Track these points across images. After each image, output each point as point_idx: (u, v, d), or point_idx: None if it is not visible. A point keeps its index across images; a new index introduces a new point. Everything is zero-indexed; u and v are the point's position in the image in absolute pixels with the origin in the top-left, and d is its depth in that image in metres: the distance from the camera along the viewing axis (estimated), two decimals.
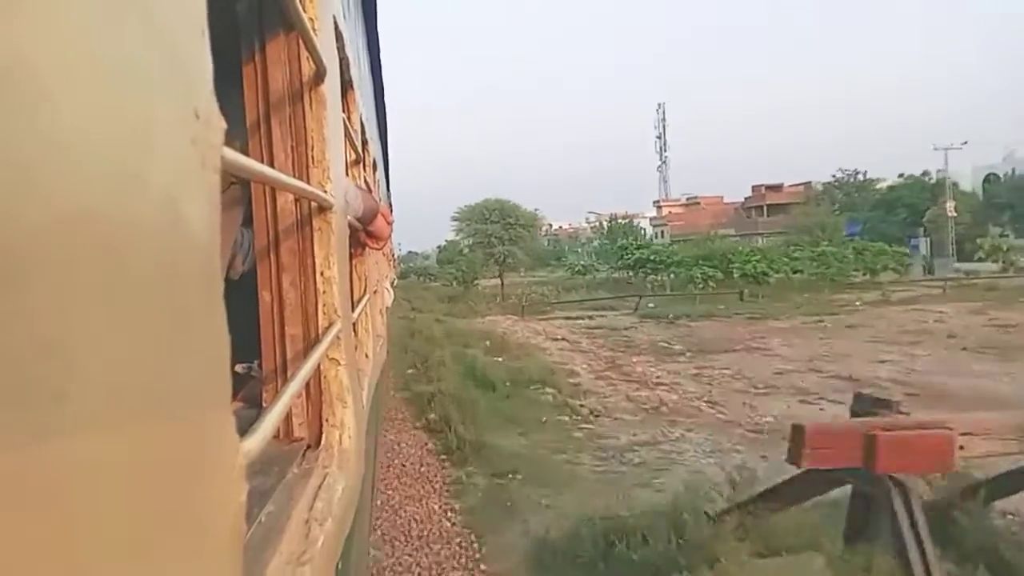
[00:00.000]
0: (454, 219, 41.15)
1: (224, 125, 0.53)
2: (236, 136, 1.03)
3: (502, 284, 38.68)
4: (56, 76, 0.33)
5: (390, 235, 2.87)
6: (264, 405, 1.37)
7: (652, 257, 42.87)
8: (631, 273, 44.67)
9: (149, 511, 0.40)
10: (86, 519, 0.34)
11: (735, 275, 34.27)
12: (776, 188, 66.95)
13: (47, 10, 0.32)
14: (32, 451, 0.30)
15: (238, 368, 1.67)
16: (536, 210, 42.41)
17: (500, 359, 13.52)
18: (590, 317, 25.96)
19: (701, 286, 33.75)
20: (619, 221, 65.12)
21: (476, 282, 38.20)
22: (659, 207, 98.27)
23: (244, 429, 0.60)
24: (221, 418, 0.51)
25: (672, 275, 39.89)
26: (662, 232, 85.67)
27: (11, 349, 0.29)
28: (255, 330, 1.41)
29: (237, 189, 1.64)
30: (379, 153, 6.68)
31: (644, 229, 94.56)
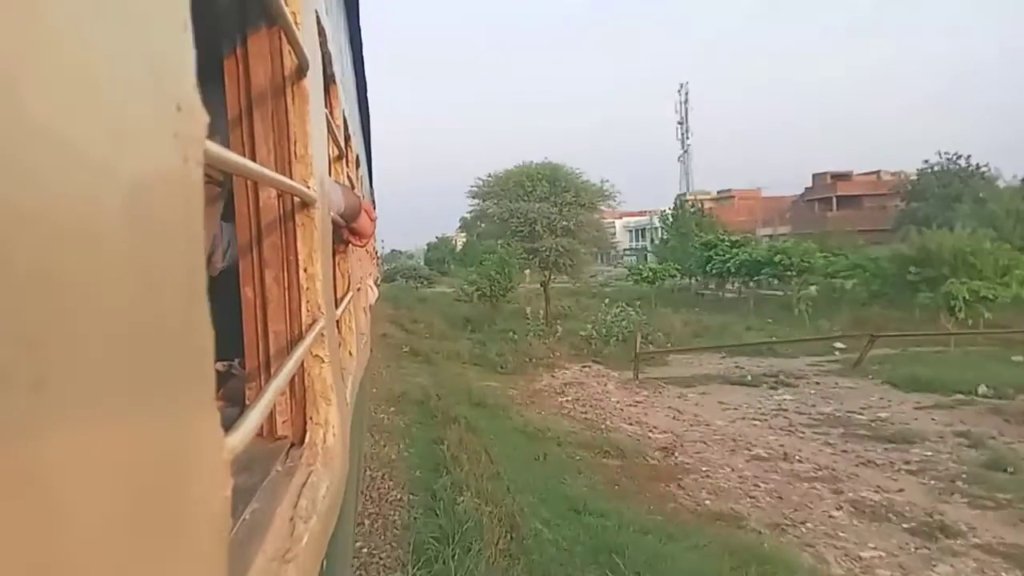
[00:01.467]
0: (472, 195, 27.25)
1: (207, 118, 0.52)
2: (217, 131, 1.02)
3: (547, 300, 25.41)
4: (33, 69, 0.32)
5: (373, 232, 2.85)
6: (247, 403, 1.36)
7: (777, 260, 28.78)
8: (715, 278, 34.01)
9: (132, 505, 0.39)
10: (66, 513, 0.33)
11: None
12: (843, 177, 54.57)
13: (24, 1, 0.32)
14: (10, 443, 0.29)
15: (218, 366, 1.65)
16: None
17: None
18: (776, 382, 14.21)
19: (960, 313, 19.42)
20: (689, 206, 47.99)
21: (511, 291, 25.46)
22: (684, 203, 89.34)
23: (227, 427, 0.59)
24: (205, 413, 0.51)
25: (797, 287, 26.69)
26: None
27: None
28: (234, 328, 1.40)
29: (214, 187, 1.63)
30: (362, 149, 6.65)
31: (659, 227, 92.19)
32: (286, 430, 1.37)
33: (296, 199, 1.34)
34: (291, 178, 1.32)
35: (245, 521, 0.94)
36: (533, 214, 24.93)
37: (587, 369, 16.73)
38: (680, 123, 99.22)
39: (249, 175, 1.15)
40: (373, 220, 2.59)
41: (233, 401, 1.49)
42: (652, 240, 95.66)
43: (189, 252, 0.49)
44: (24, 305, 0.31)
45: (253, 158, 1.31)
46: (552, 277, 26.50)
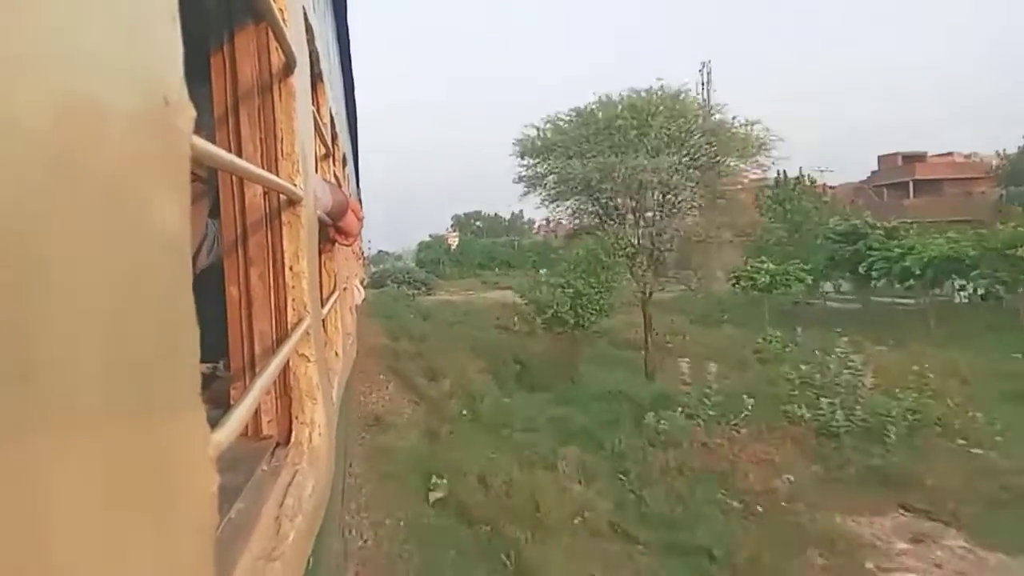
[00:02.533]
0: (522, 153, 15.16)
1: (194, 113, 0.52)
2: (204, 128, 1.02)
3: (647, 326, 14.80)
4: (18, 60, 0.32)
5: (360, 232, 2.84)
6: (232, 403, 1.35)
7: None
8: (862, 281, 24.76)
9: (118, 499, 0.39)
10: (51, 507, 0.33)
11: None
12: (917, 158, 46.11)
13: None
14: None
15: (203, 368, 1.63)
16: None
17: None
18: None
19: None
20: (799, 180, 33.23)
21: (604, 316, 15.80)
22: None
23: (212, 428, 0.59)
24: (191, 409, 0.50)
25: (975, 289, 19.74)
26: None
27: None
28: (218, 328, 1.39)
29: (199, 185, 1.61)
30: (349, 148, 6.63)
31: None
32: (272, 429, 1.36)
33: (282, 197, 1.33)
34: (277, 176, 1.31)
35: (231, 520, 0.94)
36: (644, 174, 13.43)
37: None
38: (702, 107, 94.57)
39: (235, 171, 1.15)
40: (360, 219, 2.59)
41: (218, 403, 1.47)
42: None
43: (175, 246, 0.48)
44: (9, 297, 0.30)
45: (239, 155, 1.31)
46: (652, 285, 15.17)
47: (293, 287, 1.36)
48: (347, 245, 2.70)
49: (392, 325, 18.20)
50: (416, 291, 36.98)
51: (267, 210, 1.36)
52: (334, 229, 2.34)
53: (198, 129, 0.56)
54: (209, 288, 1.39)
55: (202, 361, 0.56)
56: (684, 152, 13.98)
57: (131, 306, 0.42)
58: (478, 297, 34.08)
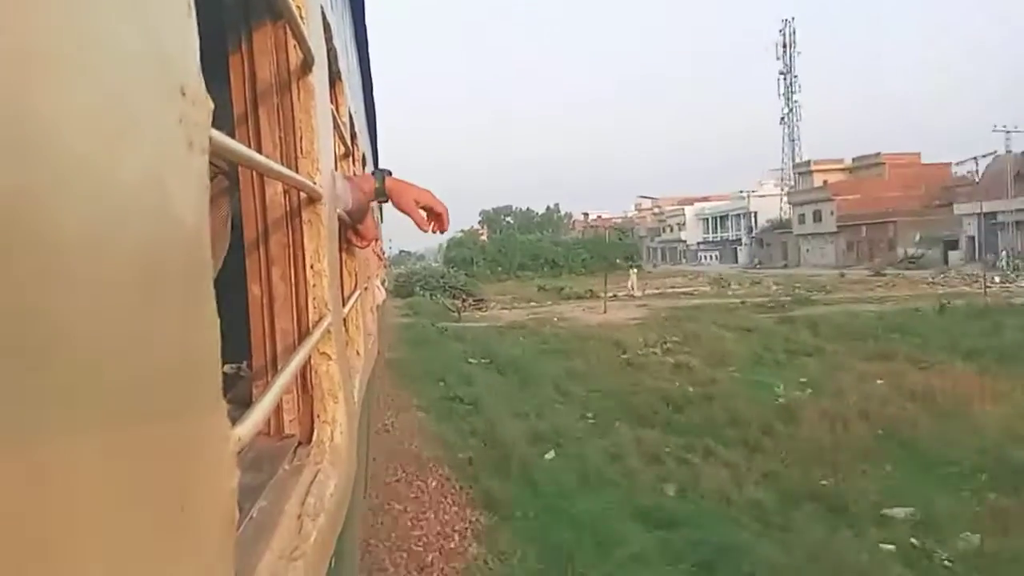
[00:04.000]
0: None
1: (211, 105, 0.51)
2: (223, 127, 1.02)
3: None
4: (31, 49, 0.31)
5: (378, 235, 2.81)
6: (254, 400, 1.35)
7: None
8: None
9: (138, 493, 0.39)
10: (70, 500, 0.32)
11: None
12: None
13: None
14: (10, 424, 0.29)
15: (226, 368, 1.64)
16: None
17: None
18: None
19: None
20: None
21: None
22: (802, 174, 64.22)
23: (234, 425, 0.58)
24: (212, 402, 0.50)
25: None
26: (817, 213, 56.13)
27: None
28: (240, 329, 1.39)
29: (220, 182, 1.61)
30: (368, 147, 6.66)
31: (753, 212, 70.04)
32: (293, 428, 1.36)
33: (302, 195, 1.33)
34: (297, 173, 1.31)
35: (252, 519, 0.93)
36: None
37: None
38: (783, 73, 71.23)
39: (255, 167, 1.14)
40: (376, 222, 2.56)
41: (241, 403, 1.47)
42: (737, 229, 76.79)
43: (194, 239, 0.48)
44: (26, 291, 0.30)
45: (259, 153, 1.31)
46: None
47: (314, 286, 1.36)
48: (363, 247, 2.68)
49: (448, 423, 9.31)
50: (458, 302, 27.25)
51: (287, 208, 1.36)
52: (352, 231, 2.33)
53: (218, 127, 0.55)
54: (233, 292, 1.40)
55: (225, 362, 0.56)
56: None
57: (150, 299, 0.41)
58: (561, 317, 22.29)
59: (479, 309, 27.50)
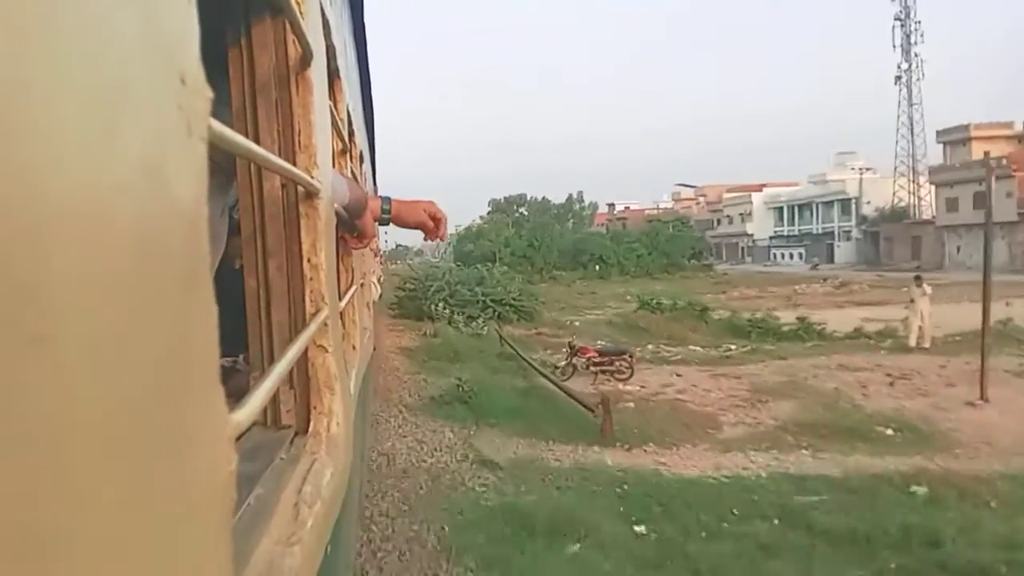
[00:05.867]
0: None
1: (211, 94, 0.52)
2: (222, 121, 1.04)
3: None
4: (29, 35, 0.32)
5: (376, 235, 2.81)
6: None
7: None
8: None
9: (135, 478, 0.39)
10: (62, 482, 0.33)
11: None
12: None
13: None
14: (8, 397, 0.30)
15: (223, 362, 1.65)
16: None
17: None
18: None
19: None
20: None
21: None
22: (951, 144, 47.24)
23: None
24: (210, 389, 0.51)
25: None
26: (979, 197, 37.97)
27: None
28: (237, 323, 1.40)
29: (220, 176, 1.62)
30: (366, 145, 6.66)
31: (852, 199, 53.10)
32: (290, 419, 1.37)
33: (300, 189, 1.34)
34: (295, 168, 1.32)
35: (250, 506, 0.95)
36: None
37: None
38: (899, 19, 55.00)
39: (253, 158, 1.16)
40: (377, 219, 2.56)
41: (239, 396, 1.49)
42: (825, 220, 58.48)
43: (193, 225, 0.49)
44: (23, 267, 0.31)
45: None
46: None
47: (311, 279, 1.37)
48: (360, 248, 2.68)
49: None
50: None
51: (285, 202, 1.37)
52: (349, 232, 2.32)
53: (217, 121, 0.56)
54: (230, 286, 1.41)
55: (223, 355, 0.57)
56: None
57: (149, 281, 0.42)
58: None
59: (619, 378, 12.64)
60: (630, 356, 13.20)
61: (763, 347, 17.19)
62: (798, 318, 19.65)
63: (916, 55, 54.68)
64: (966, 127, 47.97)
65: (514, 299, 20.43)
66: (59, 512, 0.32)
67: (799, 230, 63.36)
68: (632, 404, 11.23)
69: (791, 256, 62.67)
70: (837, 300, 29.24)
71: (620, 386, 12.58)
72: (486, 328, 17.41)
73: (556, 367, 13.17)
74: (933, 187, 49.41)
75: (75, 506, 0.33)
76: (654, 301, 22.30)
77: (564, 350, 14.09)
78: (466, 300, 19.23)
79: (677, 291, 25.87)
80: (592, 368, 13.04)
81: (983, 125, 47.43)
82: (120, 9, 0.40)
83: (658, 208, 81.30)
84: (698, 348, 17.55)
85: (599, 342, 15.84)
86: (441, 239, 2.36)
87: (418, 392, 11.32)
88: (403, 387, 11.60)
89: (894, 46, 55.53)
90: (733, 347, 17.44)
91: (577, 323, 21.71)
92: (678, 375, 13.88)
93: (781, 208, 65.15)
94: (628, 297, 27.21)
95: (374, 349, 5.18)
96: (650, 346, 17.43)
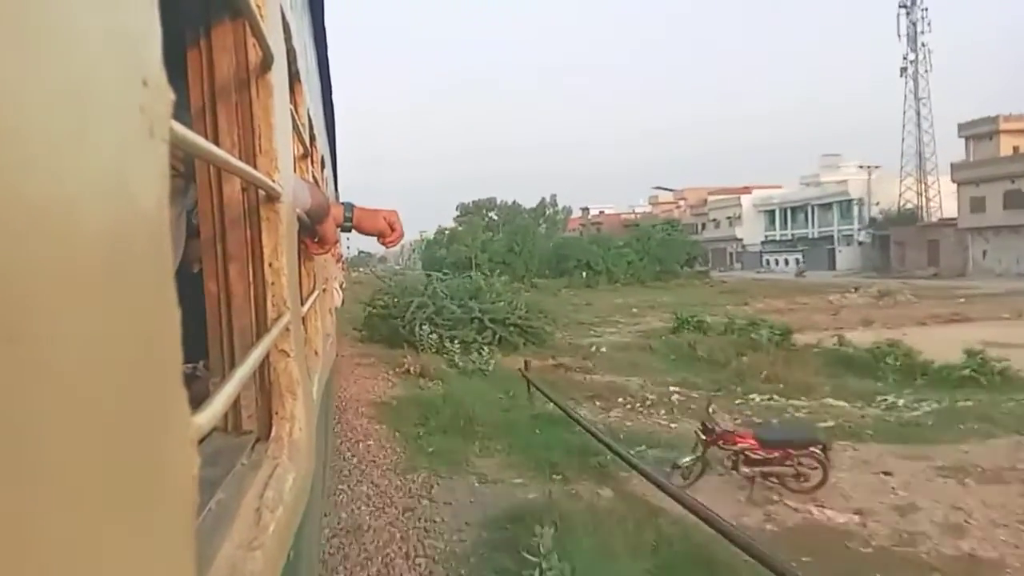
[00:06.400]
0: None
1: (172, 96, 0.52)
2: (182, 123, 1.03)
3: None
4: None
5: (337, 240, 2.81)
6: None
7: None
8: None
9: (97, 478, 0.39)
10: (29, 485, 0.33)
11: None
12: None
13: None
14: None
15: (184, 368, 1.63)
16: None
17: None
18: None
19: None
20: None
21: None
22: (975, 138, 41.75)
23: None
24: (172, 391, 0.51)
25: None
26: (1011, 195, 36.26)
27: None
28: (198, 330, 1.38)
29: (179, 179, 1.61)
30: (327, 150, 6.60)
31: (855, 200, 46.50)
32: (251, 424, 1.36)
33: (261, 192, 1.33)
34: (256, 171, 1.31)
35: (211, 511, 0.94)
36: None
37: None
38: (904, 6, 50.81)
39: (214, 161, 1.15)
40: (338, 226, 2.56)
41: (199, 403, 1.47)
42: (821, 224, 53.04)
43: (154, 228, 0.49)
44: None
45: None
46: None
47: (272, 283, 1.36)
48: (320, 253, 2.66)
49: None
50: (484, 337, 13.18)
51: (246, 206, 1.36)
52: (309, 236, 2.31)
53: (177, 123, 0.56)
54: (190, 290, 1.39)
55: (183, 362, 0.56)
56: None
57: (111, 282, 0.42)
58: None
59: (797, 488, 7.04)
60: (823, 448, 7.22)
61: (955, 402, 10.37)
62: (969, 354, 12.47)
63: (923, 44, 50.40)
64: (994, 119, 42.94)
65: (520, 318, 15.42)
66: (20, 513, 0.32)
67: (792, 234, 58.33)
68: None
69: (785, 262, 57.59)
70: (902, 314, 21.73)
71: (812, 510, 6.65)
72: (493, 362, 12.25)
73: (676, 465, 7.41)
74: (958, 185, 43.48)
75: (36, 507, 0.33)
76: (694, 319, 17.84)
77: (696, 433, 7.66)
78: (456, 319, 14.58)
79: (686, 302, 21.43)
80: (745, 469, 7.21)
81: (1012, 117, 42.29)
82: (82, 11, 0.40)
83: (635, 212, 77.64)
84: (842, 403, 10.56)
85: (754, 420, 9.56)
86: (391, 245, 2.49)
87: (426, 546, 5.04)
88: (390, 542, 5.11)
89: (899, 35, 51.00)
90: (924, 404, 10.42)
91: (603, 348, 16.07)
92: (887, 475, 7.47)
93: (773, 211, 60.40)
94: (634, 309, 22.70)
95: (336, 355, 5.12)
96: (754, 398, 10.63)
